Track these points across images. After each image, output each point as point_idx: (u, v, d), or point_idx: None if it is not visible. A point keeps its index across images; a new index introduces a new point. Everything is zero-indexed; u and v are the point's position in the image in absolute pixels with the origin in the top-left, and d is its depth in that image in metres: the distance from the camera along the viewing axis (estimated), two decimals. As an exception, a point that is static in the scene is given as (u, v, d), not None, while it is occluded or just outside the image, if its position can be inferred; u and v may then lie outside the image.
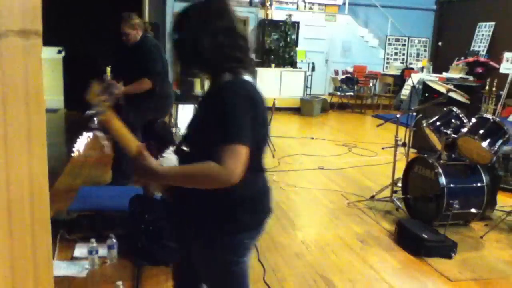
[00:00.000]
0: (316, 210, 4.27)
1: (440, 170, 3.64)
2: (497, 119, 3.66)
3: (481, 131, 3.60)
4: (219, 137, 1.45)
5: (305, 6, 11.76)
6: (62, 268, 2.94)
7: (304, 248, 3.44)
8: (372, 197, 4.46)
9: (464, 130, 3.72)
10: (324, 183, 5.07)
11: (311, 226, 3.90)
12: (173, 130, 6.32)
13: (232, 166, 1.42)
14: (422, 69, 11.93)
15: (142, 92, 4.01)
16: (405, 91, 10.54)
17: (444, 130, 3.85)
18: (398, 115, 4.27)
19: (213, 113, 1.51)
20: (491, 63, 11.07)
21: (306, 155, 6.20)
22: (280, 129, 7.95)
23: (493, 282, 3.06)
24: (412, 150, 5.74)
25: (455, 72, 11.38)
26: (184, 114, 6.50)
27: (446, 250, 3.32)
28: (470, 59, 11.40)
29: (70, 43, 7.99)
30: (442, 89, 4.18)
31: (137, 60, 4.05)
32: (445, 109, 4.07)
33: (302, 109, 9.76)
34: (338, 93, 10.60)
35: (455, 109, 4.00)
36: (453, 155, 3.93)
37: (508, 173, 3.82)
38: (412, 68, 11.82)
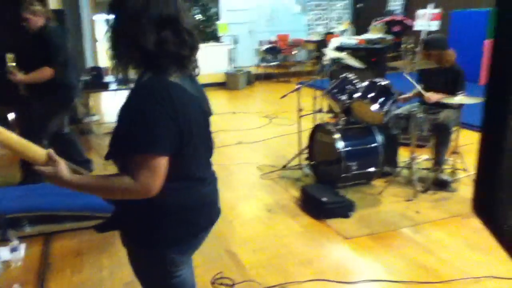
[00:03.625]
0: (230, 186, 4.40)
1: (336, 135, 3.85)
2: (385, 82, 3.88)
3: (370, 95, 3.82)
4: (130, 146, 1.34)
5: (224, -22, 11.64)
6: (-36, 277, 2.91)
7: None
8: (284, 166, 4.64)
9: (357, 95, 3.93)
10: (242, 157, 5.20)
11: (223, 202, 3.99)
12: (91, 118, 6.23)
13: (146, 180, 1.33)
14: (343, 32, 12.23)
15: (44, 82, 3.91)
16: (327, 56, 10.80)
17: (340, 97, 4.05)
18: (298, 85, 4.41)
19: (123, 118, 1.38)
20: (406, 21, 11.51)
21: (227, 131, 6.30)
22: (205, 106, 7.99)
23: (385, 235, 3.32)
24: (329, 115, 6.00)
25: (375, 33, 11.75)
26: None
27: (344, 210, 3.56)
28: (387, 18, 11.81)
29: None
30: (338, 56, 4.36)
31: (38, 49, 3.95)
32: (340, 76, 4.26)
33: (228, 83, 9.82)
34: (263, 64, 10.72)
35: (349, 75, 4.20)
36: (351, 119, 4.15)
37: (401, 131, 4.08)
38: (333, 33, 12.08)
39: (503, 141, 1.04)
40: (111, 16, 1.39)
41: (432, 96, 3.93)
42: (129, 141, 1.35)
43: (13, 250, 3.02)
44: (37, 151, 1.40)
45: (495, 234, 1.09)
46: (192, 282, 1.75)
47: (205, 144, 1.57)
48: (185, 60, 1.42)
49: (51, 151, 1.40)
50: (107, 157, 1.44)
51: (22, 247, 3.12)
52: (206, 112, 1.57)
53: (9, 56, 4.39)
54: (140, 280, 1.65)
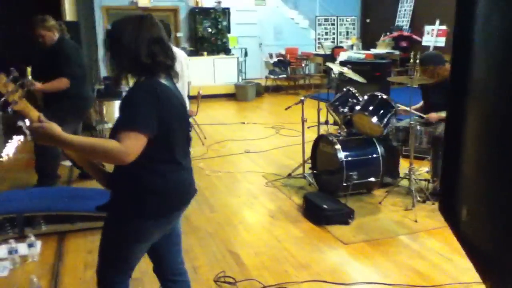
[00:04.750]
0: (235, 193, 4.58)
1: (338, 146, 4.02)
2: (385, 96, 4.06)
3: (371, 107, 4.00)
4: (121, 123, 1.71)
5: (234, -8, 11.93)
6: (-17, 270, 3.11)
7: (218, 228, 3.74)
8: (289, 175, 4.82)
9: (358, 107, 4.11)
10: (248, 166, 5.38)
11: (228, 207, 4.20)
12: (104, 126, 6.46)
13: (129, 146, 1.65)
14: (352, 46, 12.45)
15: (59, 94, 4.12)
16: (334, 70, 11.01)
17: (341, 109, 4.23)
18: (302, 98, 4.61)
19: (121, 107, 1.77)
20: (414, 36, 11.71)
21: (235, 140, 6.50)
22: (214, 116, 8.22)
23: (382, 242, 3.47)
24: (335, 127, 6.16)
25: (382, 48, 11.97)
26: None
27: (344, 217, 3.71)
28: (395, 34, 12.01)
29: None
30: (340, 70, 4.55)
31: (54, 63, 4.15)
32: (344, 89, 4.45)
33: (237, 94, 10.04)
34: (272, 76, 10.95)
35: (351, 88, 4.39)
36: (353, 131, 4.33)
37: (401, 143, 4.24)
38: (341, 47, 12.30)
39: (461, 152, 1.22)
40: (108, 39, 1.85)
41: (432, 117, 4.10)
42: (121, 120, 1.73)
43: (30, 246, 3.22)
44: (35, 111, 1.72)
45: (453, 229, 1.26)
46: (137, 262, 2.01)
47: (184, 136, 1.93)
48: (169, 68, 1.87)
49: (41, 114, 1.71)
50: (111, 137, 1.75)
51: (38, 244, 3.33)
52: (185, 111, 1.95)
53: (28, 69, 4.64)
54: (106, 242, 1.95)
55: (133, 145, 1.66)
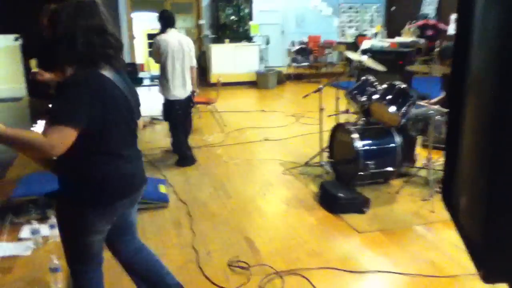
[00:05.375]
0: (252, 180, 4.62)
1: (355, 135, 4.00)
2: (403, 85, 4.02)
3: (388, 97, 3.97)
4: (50, 115, 1.69)
5: (257, -21, 11.86)
6: (8, 249, 3.24)
7: (234, 214, 3.80)
8: (306, 163, 4.83)
9: (375, 96, 4.08)
10: (266, 153, 5.42)
11: (245, 194, 4.24)
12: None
13: (53, 139, 1.64)
14: (376, 34, 12.26)
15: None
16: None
17: (359, 98, 4.20)
18: (321, 86, 4.59)
19: (55, 100, 1.75)
20: (440, 25, 11.45)
21: (254, 128, 6.53)
22: (235, 104, 8.26)
23: (397, 232, 3.47)
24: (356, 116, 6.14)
25: (407, 36, 11.74)
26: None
27: (359, 206, 3.72)
28: (420, 22, 11.76)
29: (26, 31, 8.00)
30: (359, 59, 4.51)
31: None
32: (362, 78, 4.42)
33: (258, 82, 10.05)
34: (294, 64, 10.90)
35: (370, 77, 4.35)
36: (370, 120, 4.30)
37: (420, 132, 4.20)
38: (365, 35, 12.12)
39: (459, 146, 1.23)
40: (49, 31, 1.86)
41: None
42: (51, 112, 1.71)
43: (52, 227, 3.34)
44: None
45: (453, 218, 1.28)
46: (98, 251, 2.07)
47: (126, 126, 1.92)
48: (111, 58, 1.82)
49: None
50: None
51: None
52: (129, 100, 1.91)
53: (33, 61, 4.73)
54: (62, 234, 2.01)
55: (58, 138, 1.65)
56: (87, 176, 1.85)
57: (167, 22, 4.84)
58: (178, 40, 4.83)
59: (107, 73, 1.81)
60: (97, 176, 1.85)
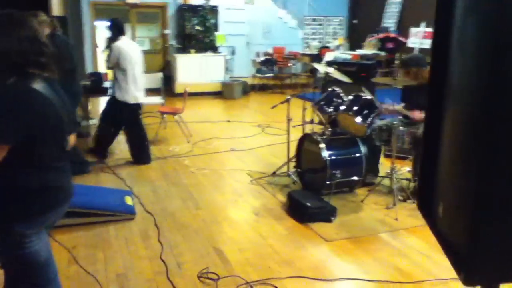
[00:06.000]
0: (221, 190, 4.61)
1: (322, 145, 4.07)
2: (369, 97, 4.13)
3: (355, 108, 4.06)
4: None
5: (223, -10, 11.93)
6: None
7: (203, 225, 3.77)
8: (273, 173, 4.87)
9: (342, 107, 4.17)
10: (233, 163, 5.42)
11: (213, 204, 4.23)
12: (89, 122, 6.44)
13: None
14: (338, 47, 12.54)
15: None
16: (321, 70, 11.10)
17: (326, 109, 4.29)
18: (288, 97, 4.65)
19: None
20: (400, 38, 11.84)
21: (221, 138, 6.52)
22: (201, 114, 8.23)
23: (364, 239, 3.54)
24: (320, 126, 6.24)
25: (369, 48, 12.08)
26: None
27: (327, 215, 3.78)
28: (381, 35, 12.13)
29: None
30: (326, 70, 4.60)
31: None
32: (329, 89, 4.51)
33: (224, 92, 10.06)
34: (259, 75, 10.99)
35: (336, 88, 4.45)
36: (337, 130, 4.39)
37: (384, 142, 4.32)
38: (328, 47, 12.38)
39: (438, 151, 1.28)
40: None
41: (416, 115, 4.15)
42: None
43: None
44: None
45: (430, 225, 1.32)
46: (46, 254, 1.98)
47: (56, 140, 1.89)
48: (44, 66, 1.81)
49: None
50: None
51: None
52: (60, 115, 1.87)
53: None
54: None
55: None
56: (12, 188, 1.80)
57: (120, 29, 5.05)
58: (134, 47, 5.15)
59: (38, 85, 1.77)
60: (23, 187, 1.81)
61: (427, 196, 1.33)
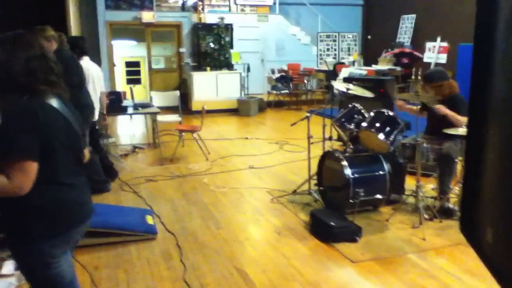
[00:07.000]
0: (241, 209, 4.56)
1: (345, 162, 4.01)
2: (392, 113, 4.06)
3: (377, 124, 4.00)
4: (5, 153, 1.66)
5: (237, 8, 12.06)
6: (-12, 287, 3.08)
7: (225, 245, 3.71)
8: (294, 191, 4.80)
9: (364, 124, 4.11)
10: (252, 182, 5.37)
11: (234, 223, 4.17)
12: (108, 140, 6.45)
13: (21, 182, 1.65)
14: (353, 62, 12.52)
15: None
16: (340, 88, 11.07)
17: (348, 125, 4.23)
18: (308, 114, 4.61)
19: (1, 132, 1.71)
20: (415, 53, 11.78)
21: (239, 156, 6.49)
22: (218, 131, 8.22)
23: (390, 260, 3.44)
24: (339, 143, 6.19)
25: (383, 64, 12.03)
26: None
27: (351, 234, 3.69)
28: (396, 50, 12.09)
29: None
30: (343, 88, 4.56)
31: None
32: (349, 105, 4.46)
33: (240, 109, 10.07)
34: (275, 92, 10.99)
35: (357, 105, 4.39)
36: (359, 147, 4.32)
37: (407, 160, 4.24)
38: (343, 63, 12.36)
39: (481, 172, 1.21)
40: None
41: (441, 108, 4.04)
42: (4, 148, 1.67)
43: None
44: None
45: (476, 249, 1.25)
46: (71, 276, 1.96)
47: (72, 155, 1.88)
48: (54, 85, 1.81)
49: None
50: None
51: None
52: (75, 129, 1.88)
53: None
54: (25, 275, 1.94)
55: (23, 177, 1.65)
56: (32, 207, 1.77)
57: (83, 49, 5.06)
58: (95, 68, 5.22)
59: (51, 101, 1.78)
60: (44, 205, 1.79)
61: (470, 218, 1.26)
